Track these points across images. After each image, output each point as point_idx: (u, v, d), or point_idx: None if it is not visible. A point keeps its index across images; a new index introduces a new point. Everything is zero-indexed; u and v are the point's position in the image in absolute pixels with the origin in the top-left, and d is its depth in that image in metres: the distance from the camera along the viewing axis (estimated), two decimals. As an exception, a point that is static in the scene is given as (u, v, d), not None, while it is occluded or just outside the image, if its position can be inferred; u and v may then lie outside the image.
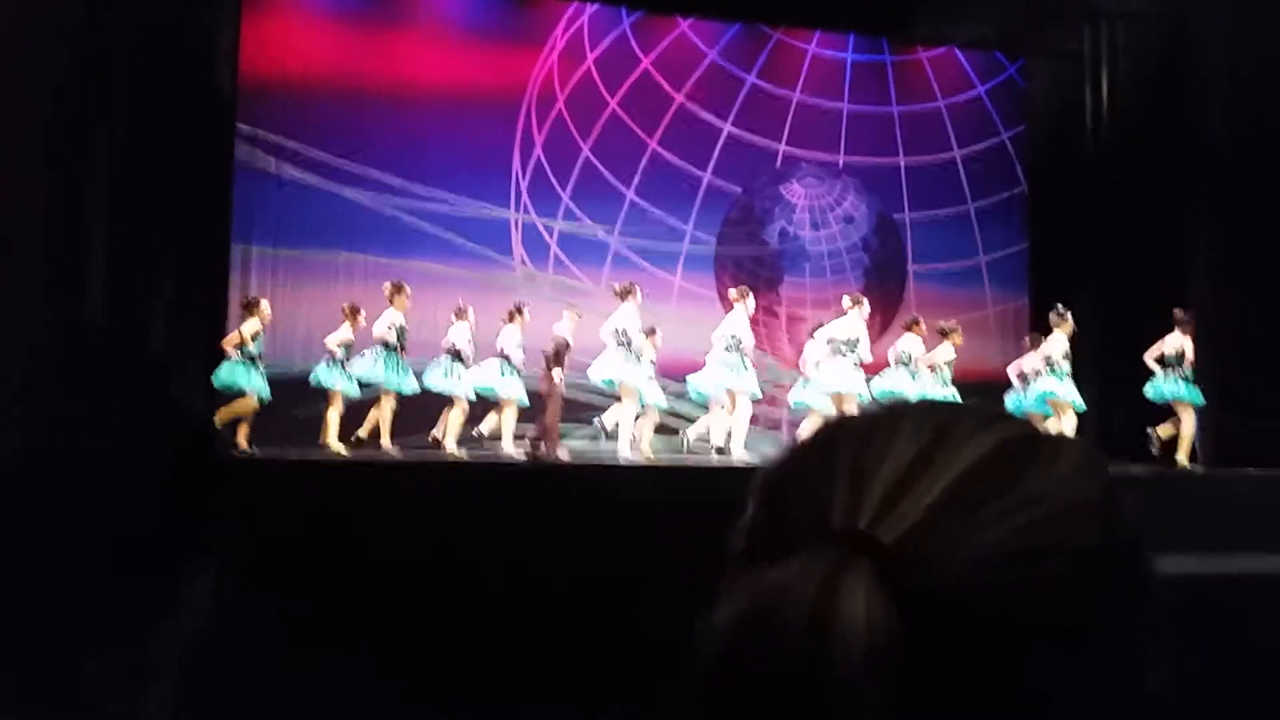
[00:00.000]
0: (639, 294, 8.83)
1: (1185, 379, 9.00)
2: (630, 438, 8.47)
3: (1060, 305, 9.48)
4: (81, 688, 0.56)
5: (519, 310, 8.90)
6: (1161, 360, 9.08)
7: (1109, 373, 10.14)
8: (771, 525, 0.55)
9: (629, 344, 8.55)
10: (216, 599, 0.64)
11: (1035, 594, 0.50)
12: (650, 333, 8.97)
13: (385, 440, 8.31)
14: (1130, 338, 9.66)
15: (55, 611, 0.55)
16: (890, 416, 0.57)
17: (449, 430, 8.49)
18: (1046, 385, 9.15)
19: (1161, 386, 9.03)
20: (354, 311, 8.57)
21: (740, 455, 8.58)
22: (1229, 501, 6.91)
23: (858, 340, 9.01)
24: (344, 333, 8.45)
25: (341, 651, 4.38)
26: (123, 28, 7.91)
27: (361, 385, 8.39)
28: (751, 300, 9.05)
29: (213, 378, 8.02)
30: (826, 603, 0.48)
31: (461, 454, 8.46)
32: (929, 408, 0.58)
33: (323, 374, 8.36)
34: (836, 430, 0.58)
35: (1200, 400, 9.01)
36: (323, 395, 8.37)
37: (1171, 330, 9.14)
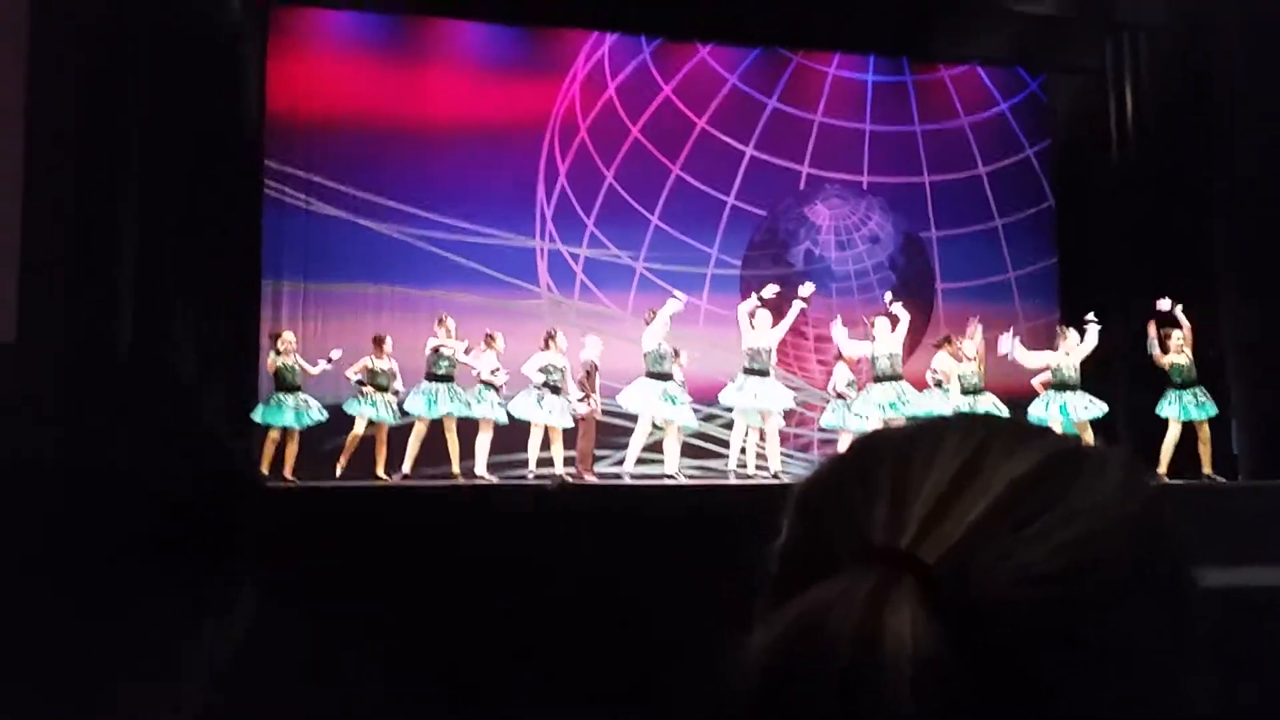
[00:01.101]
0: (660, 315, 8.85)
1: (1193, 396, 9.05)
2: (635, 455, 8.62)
3: (1060, 326, 9.57)
4: (106, 712, 0.57)
5: (551, 337, 8.95)
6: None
7: (1140, 384, 10.02)
8: (811, 544, 0.55)
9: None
10: (243, 628, 0.64)
11: (1079, 611, 0.50)
12: (675, 355, 8.98)
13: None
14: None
15: (80, 636, 0.56)
16: (930, 433, 0.56)
17: (479, 454, 8.59)
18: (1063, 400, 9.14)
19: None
20: (378, 342, 8.75)
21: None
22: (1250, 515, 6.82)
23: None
24: (365, 363, 8.70)
25: (369, 673, 4.39)
26: (152, 65, 8.08)
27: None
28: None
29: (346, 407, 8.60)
30: (872, 622, 0.47)
31: (492, 478, 8.54)
32: (969, 423, 0.57)
33: (351, 404, 8.61)
34: (874, 447, 0.57)
35: (1189, 416, 8.98)
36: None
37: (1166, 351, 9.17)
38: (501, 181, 10.63)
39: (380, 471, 8.50)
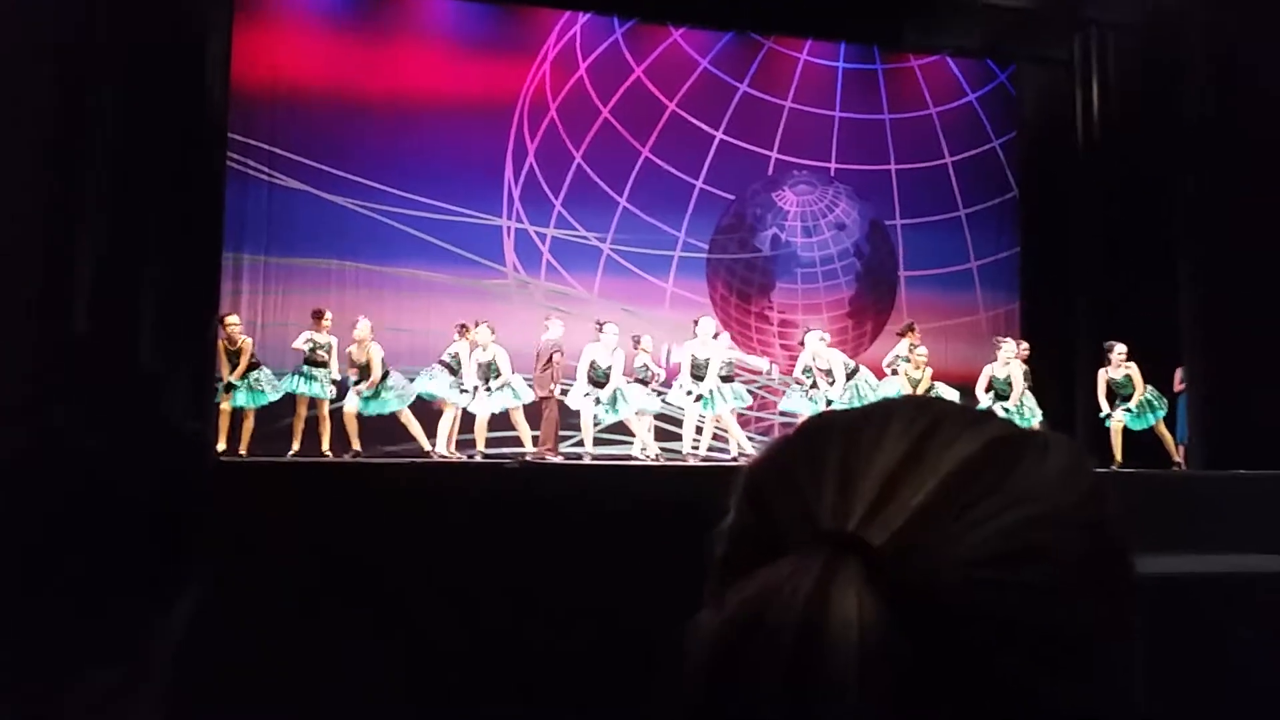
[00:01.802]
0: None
1: (1129, 410, 9.30)
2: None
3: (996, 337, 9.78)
4: (73, 690, 0.56)
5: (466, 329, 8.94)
6: (1111, 395, 9.35)
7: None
8: (758, 526, 0.54)
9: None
10: (208, 604, 0.64)
11: (1024, 594, 0.50)
12: (636, 342, 9.04)
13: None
14: (1122, 341, 9.69)
15: (48, 616, 0.55)
16: (878, 415, 0.56)
17: (441, 434, 8.58)
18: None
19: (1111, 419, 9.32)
20: (317, 316, 8.69)
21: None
22: (1208, 503, 6.94)
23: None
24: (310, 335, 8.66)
25: (335, 654, 4.38)
26: (115, 36, 7.93)
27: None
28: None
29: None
30: (818, 605, 0.47)
31: (459, 455, 8.60)
32: (916, 406, 0.57)
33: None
34: (821, 429, 0.57)
35: (1135, 426, 9.26)
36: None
37: (1106, 365, 9.38)
38: (469, 159, 10.56)
39: (325, 448, 8.44)
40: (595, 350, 8.83)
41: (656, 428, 9.34)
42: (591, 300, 10.50)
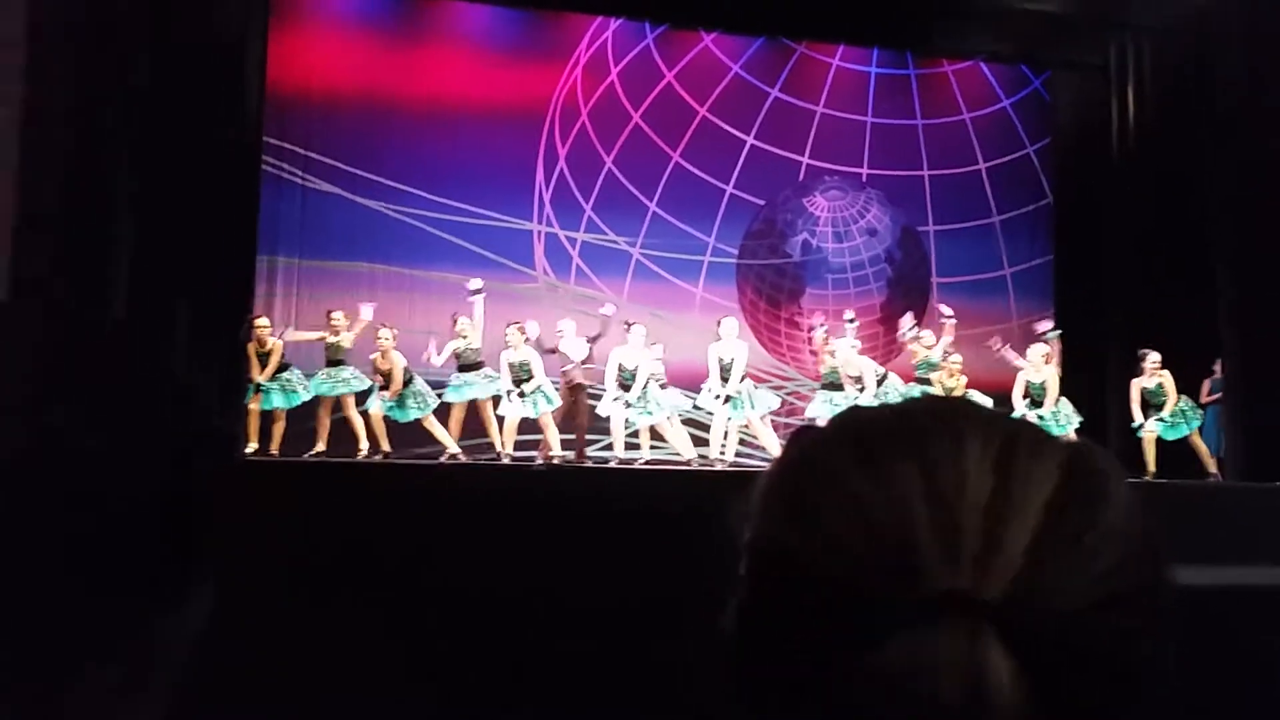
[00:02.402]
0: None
1: (1162, 420, 9.17)
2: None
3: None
4: (84, 684, 0.58)
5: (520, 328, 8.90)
6: (1144, 404, 9.21)
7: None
8: (827, 562, 0.51)
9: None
10: (223, 600, 0.64)
11: (1123, 636, 0.51)
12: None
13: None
14: (1156, 349, 9.58)
15: (60, 609, 0.57)
16: (939, 429, 0.54)
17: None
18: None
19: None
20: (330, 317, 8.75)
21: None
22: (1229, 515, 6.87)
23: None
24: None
25: (345, 653, 4.40)
26: (151, 39, 8.05)
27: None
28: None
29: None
30: (975, 678, 0.47)
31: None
32: (980, 422, 0.54)
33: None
34: (872, 435, 0.54)
35: (1174, 435, 9.16)
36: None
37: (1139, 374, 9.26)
38: (500, 164, 10.62)
39: (361, 446, 8.52)
40: (623, 353, 8.81)
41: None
42: (621, 304, 10.51)
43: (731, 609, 0.55)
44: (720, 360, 8.93)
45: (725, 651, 0.54)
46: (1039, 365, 9.29)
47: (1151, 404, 9.25)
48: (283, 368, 8.60)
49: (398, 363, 8.62)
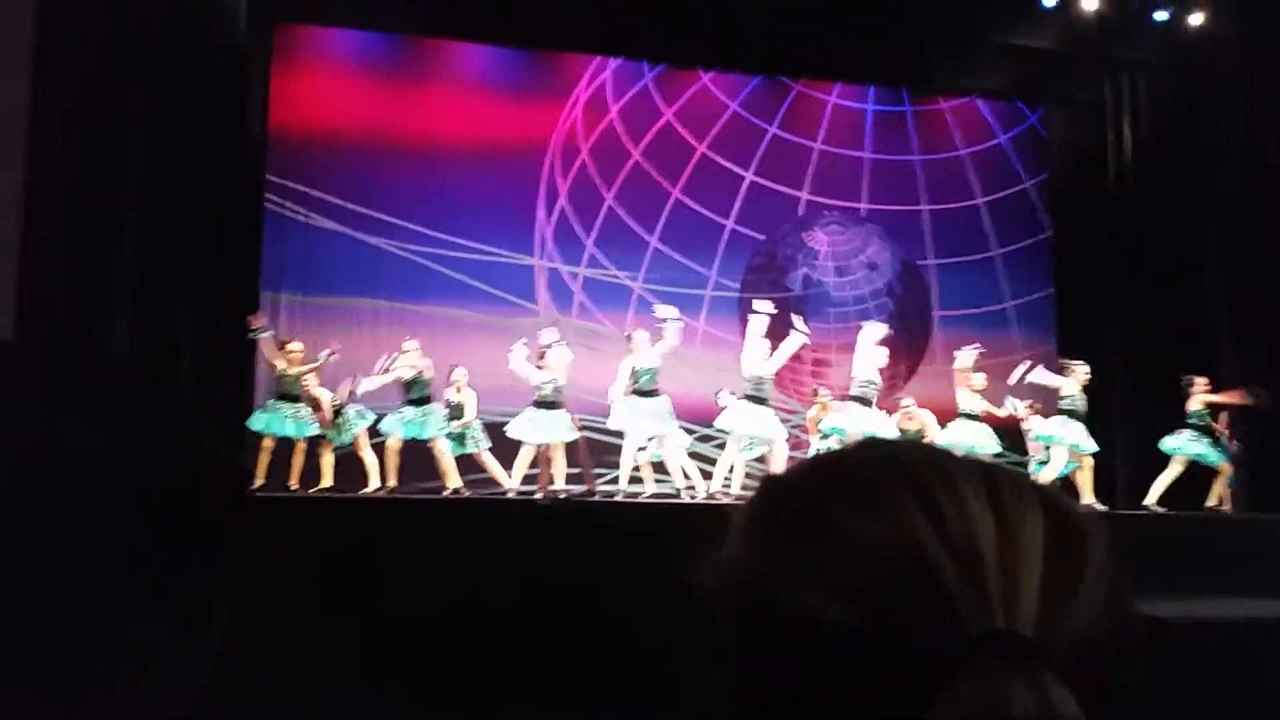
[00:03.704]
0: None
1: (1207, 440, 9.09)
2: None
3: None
4: (87, 715, 0.56)
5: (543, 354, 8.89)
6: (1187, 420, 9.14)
7: (1136, 416, 10.06)
8: (851, 618, 0.50)
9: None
10: (228, 632, 0.63)
11: (1120, 665, 0.52)
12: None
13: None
14: (1158, 381, 9.60)
15: (64, 638, 0.55)
16: (934, 472, 0.54)
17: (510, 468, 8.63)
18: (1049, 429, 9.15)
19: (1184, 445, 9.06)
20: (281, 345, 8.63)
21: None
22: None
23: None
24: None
25: (353, 683, 4.35)
26: (157, 78, 8.13)
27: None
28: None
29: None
30: (1049, 716, 0.48)
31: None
32: (963, 464, 0.55)
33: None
34: (859, 484, 0.54)
35: (1206, 459, 9.05)
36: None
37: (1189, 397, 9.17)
38: (502, 200, 10.68)
39: (386, 478, 8.47)
40: (634, 360, 8.70)
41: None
42: (621, 339, 10.52)
43: (722, 676, 0.53)
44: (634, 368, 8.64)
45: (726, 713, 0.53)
46: (1079, 381, 9.22)
47: (1191, 426, 9.11)
48: (294, 398, 8.53)
49: (469, 399, 8.67)
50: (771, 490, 0.57)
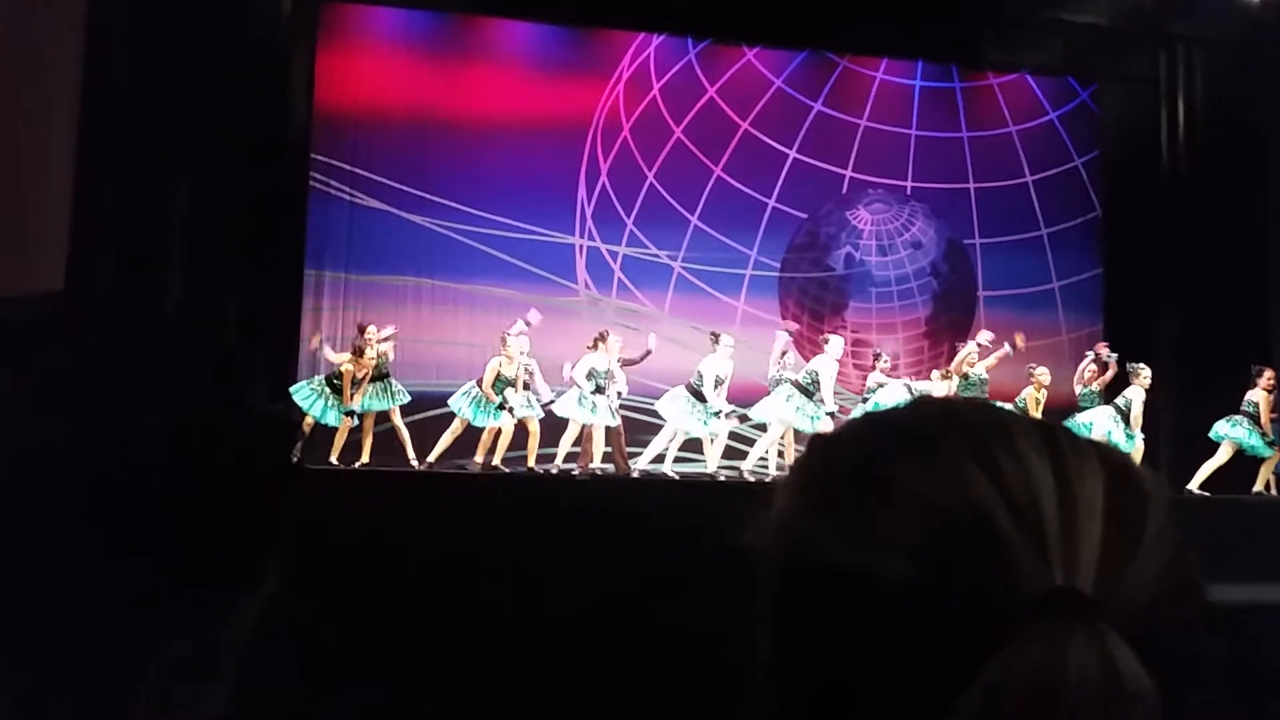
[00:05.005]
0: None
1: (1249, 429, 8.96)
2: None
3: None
4: (133, 684, 0.56)
5: (602, 338, 8.92)
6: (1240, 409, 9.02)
7: (1186, 401, 9.88)
8: (908, 576, 0.50)
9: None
10: (275, 603, 0.63)
11: (1184, 627, 0.52)
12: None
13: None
14: (1206, 367, 9.43)
15: (107, 605, 0.55)
16: (993, 431, 0.53)
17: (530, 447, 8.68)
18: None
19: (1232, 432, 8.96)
20: (361, 330, 8.70)
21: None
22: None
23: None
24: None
25: (395, 659, 4.44)
26: (206, 58, 8.24)
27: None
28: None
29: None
30: (1111, 672, 0.47)
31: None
32: (1023, 422, 0.55)
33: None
34: (917, 442, 0.53)
35: (1255, 449, 8.95)
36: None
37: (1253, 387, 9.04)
38: (543, 178, 10.70)
39: (337, 457, 8.47)
40: (712, 362, 8.81)
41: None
42: (662, 318, 10.53)
43: (771, 632, 0.53)
44: (716, 376, 8.86)
45: (770, 677, 0.53)
46: (1143, 385, 9.15)
47: (1246, 414, 9.00)
48: (380, 376, 8.61)
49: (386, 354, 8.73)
50: (823, 448, 0.56)
